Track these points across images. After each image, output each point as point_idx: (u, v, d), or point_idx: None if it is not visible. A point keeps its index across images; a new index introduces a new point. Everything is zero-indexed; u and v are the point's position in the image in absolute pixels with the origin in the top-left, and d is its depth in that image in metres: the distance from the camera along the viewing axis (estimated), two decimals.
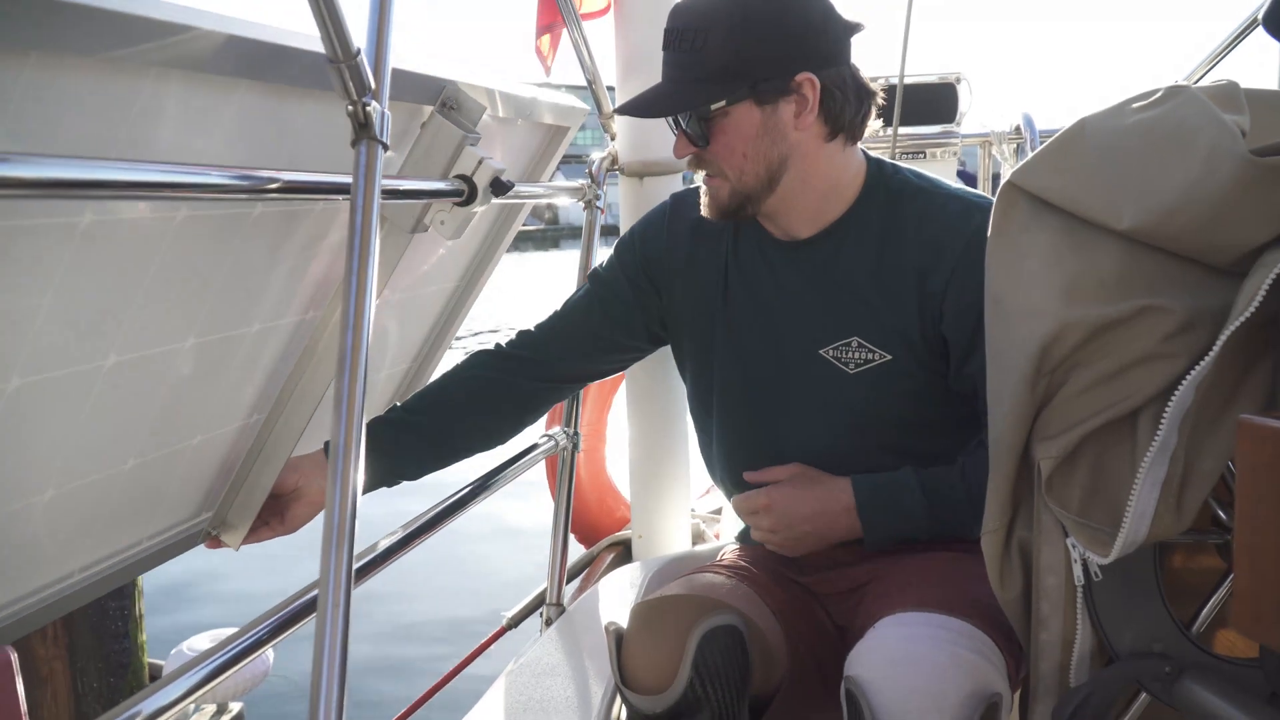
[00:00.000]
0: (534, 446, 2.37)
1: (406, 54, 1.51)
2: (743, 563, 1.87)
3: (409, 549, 1.75)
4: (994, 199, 1.38)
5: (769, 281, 1.83)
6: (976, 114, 4.51)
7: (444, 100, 1.72)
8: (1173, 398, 1.18)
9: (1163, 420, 1.18)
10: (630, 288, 1.97)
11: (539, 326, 2.04)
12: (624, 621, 1.64)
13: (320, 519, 1.51)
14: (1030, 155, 1.35)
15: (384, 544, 1.73)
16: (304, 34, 1.34)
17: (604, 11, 2.70)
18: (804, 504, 1.77)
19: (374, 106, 1.22)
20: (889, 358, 1.74)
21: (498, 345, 2.03)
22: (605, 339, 2.01)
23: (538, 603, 2.56)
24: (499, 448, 2.08)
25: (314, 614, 1.20)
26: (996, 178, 4.41)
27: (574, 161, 2.77)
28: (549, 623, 2.43)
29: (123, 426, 1.48)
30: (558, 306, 2.08)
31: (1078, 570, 1.32)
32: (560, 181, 2.54)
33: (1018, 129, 4.11)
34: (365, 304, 1.20)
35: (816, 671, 1.75)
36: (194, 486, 1.76)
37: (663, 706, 1.54)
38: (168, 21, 1.12)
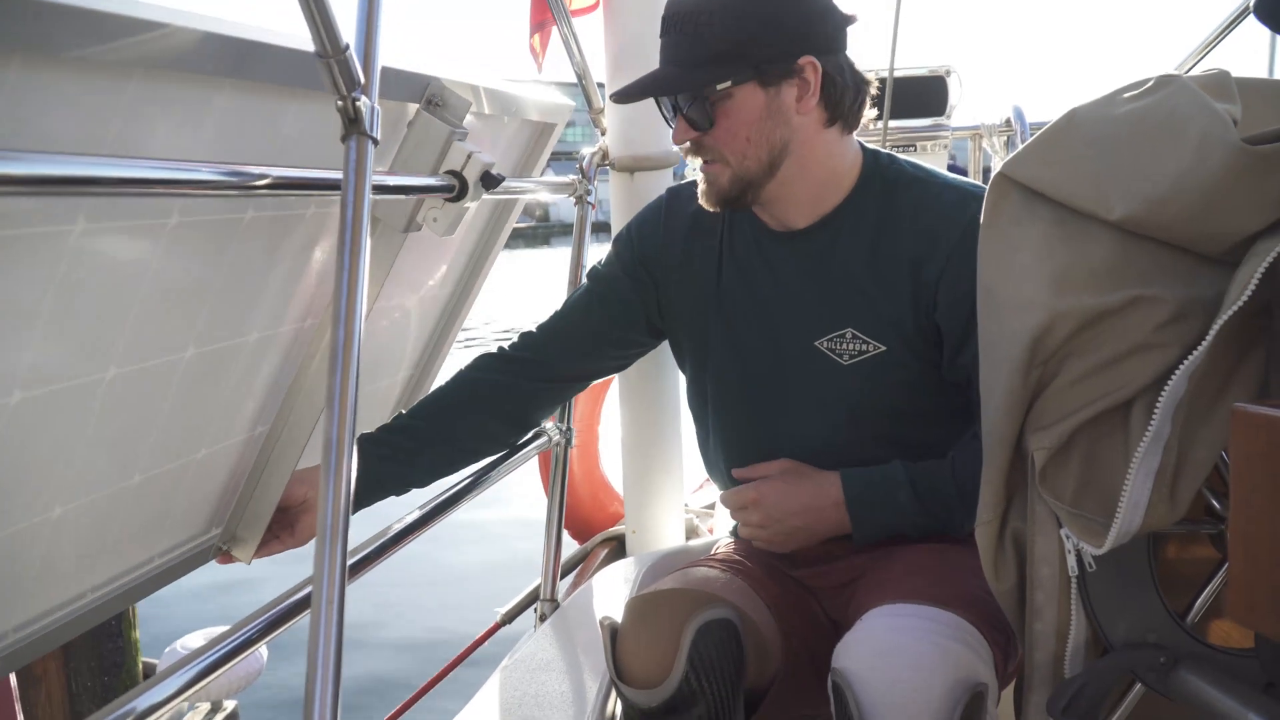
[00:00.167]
0: (527, 442, 2.37)
1: (389, 52, 1.51)
2: (737, 556, 1.87)
3: (403, 545, 1.75)
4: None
5: (764, 273, 1.83)
6: (967, 107, 4.51)
7: (429, 97, 1.71)
8: (1166, 387, 1.18)
9: (1156, 410, 1.18)
10: (629, 283, 1.97)
11: (540, 327, 2.04)
12: (618, 616, 1.64)
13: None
14: (1021, 147, 1.35)
15: (378, 540, 1.73)
16: (289, 33, 1.34)
17: (593, 8, 2.69)
18: (793, 499, 1.77)
19: (364, 101, 1.21)
20: (883, 348, 1.74)
21: (500, 348, 2.03)
22: (607, 336, 2.00)
23: (532, 598, 2.56)
24: None
25: (308, 611, 1.20)
26: (987, 171, 4.41)
27: (565, 158, 2.77)
28: (543, 618, 2.42)
29: (127, 440, 1.47)
30: (557, 306, 2.08)
31: (1072, 561, 1.32)
32: (551, 178, 2.53)
33: (1008, 121, 4.11)
34: (357, 301, 1.19)
35: (810, 664, 1.75)
36: (202, 502, 1.75)
37: (658, 700, 1.54)
38: (151, 21, 1.12)
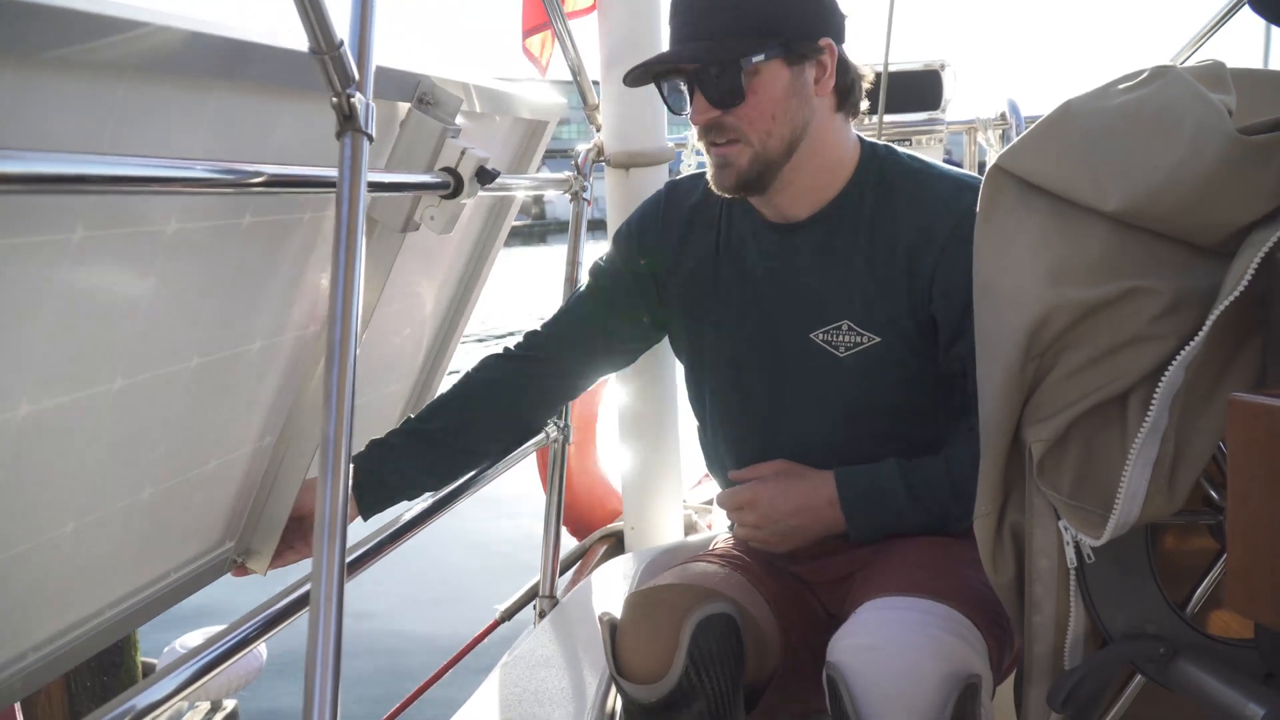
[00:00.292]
0: (525, 439, 2.37)
1: (379, 52, 1.52)
2: (735, 552, 1.87)
3: (401, 542, 1.75)
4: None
5: (761, 266, 1.83)
6: (961, 100, 4.51)
7: (420, 96, 1.72)
8: (1163, 378, 1.18)
9: (1153, 401, 1.18)
10: (630, 276, 1.97)
11: (544, 326, 2.04)
12: (618, 612, 1.64)
13: None
14: (1016, 139, 1.35)
15: (376, 538, 1.73)
16: (280, 33, 1.34)
17: (590, 9, 2.70)
18: (788, 499, 1.78)
19: (358, 98, 1.21)
20: (878, 340, 1.74)
21: (505, 349, 2.03)
22: (610, 330, 2.01)
23: (531, 595, 2.56)
24: None
25: (306, 609, 1.20)
26: (982, 165, 4.41)
27: (561, 156, 2.77)
28: (542, 615, 2.43)
29: (136, 453, 1.48)
30: (555, 304, 2.08)
31: (1070, 553, 1.32)
32: (546, 174, 2.53)
33: (1003, 115, 4.11)
34: (354, 298, 1.20)
35: (809, 659, 1.75)
36: (214, 514, 1.76)
37: (658, 695, 1.54)
38: (138, 21, 1.12)
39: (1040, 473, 1.29)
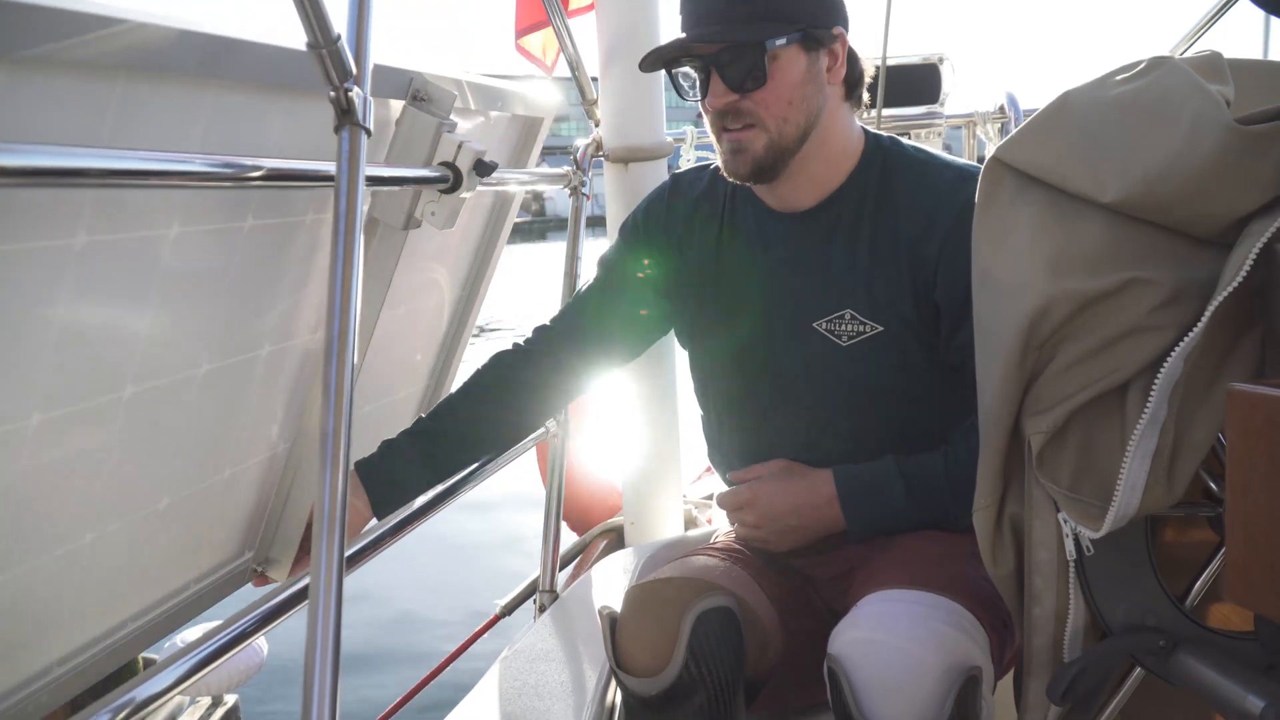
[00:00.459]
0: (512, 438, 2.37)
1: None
2: (736, 546, 1.87)
3: (400, 536, 1.75)
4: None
5: (764, 255, 1.83)
6: (960, 94, 4.50)
7: (414, 93, 1.72)
8: (1162, 369, 1.17)
9: (1152, 392, 1.18)
10: (637, 267, 1.97)
11: (553, 319, 2.04)
12: (618, 606, 1.63)
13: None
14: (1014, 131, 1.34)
15: (375, 531, 1.73)
16: (277, 31, 1.34)
17: (589, 8, 2.70)
18: (787, 498, 1.78)
19: (355, 92, 1.21)
20: (881, 329, 1.74)
21: (514, 344, 2.03)
22: (619, 322, 2.00)
23: (531, 590, 2.56)
24: None
25: (305, 602, 1.20)
26: (982, 159, 4.38)
27: (560, 153, 2.77)
28: (542, 609, 2.42)
29: (151, 462, 1.48)
30: (556, 299, 2.08)
31: (1069, 545, 1.31)
32: (545, 169, 2.54)
33: (1002, 109, 4.10)
34: (352, 292, 1.20)
35: (810, 653, 1.75)
36: (232, 524, 1.76)
37: (658, 689, 1.54)
38: (131, 20, 1.12)
39: (1039, 465, 1.29)
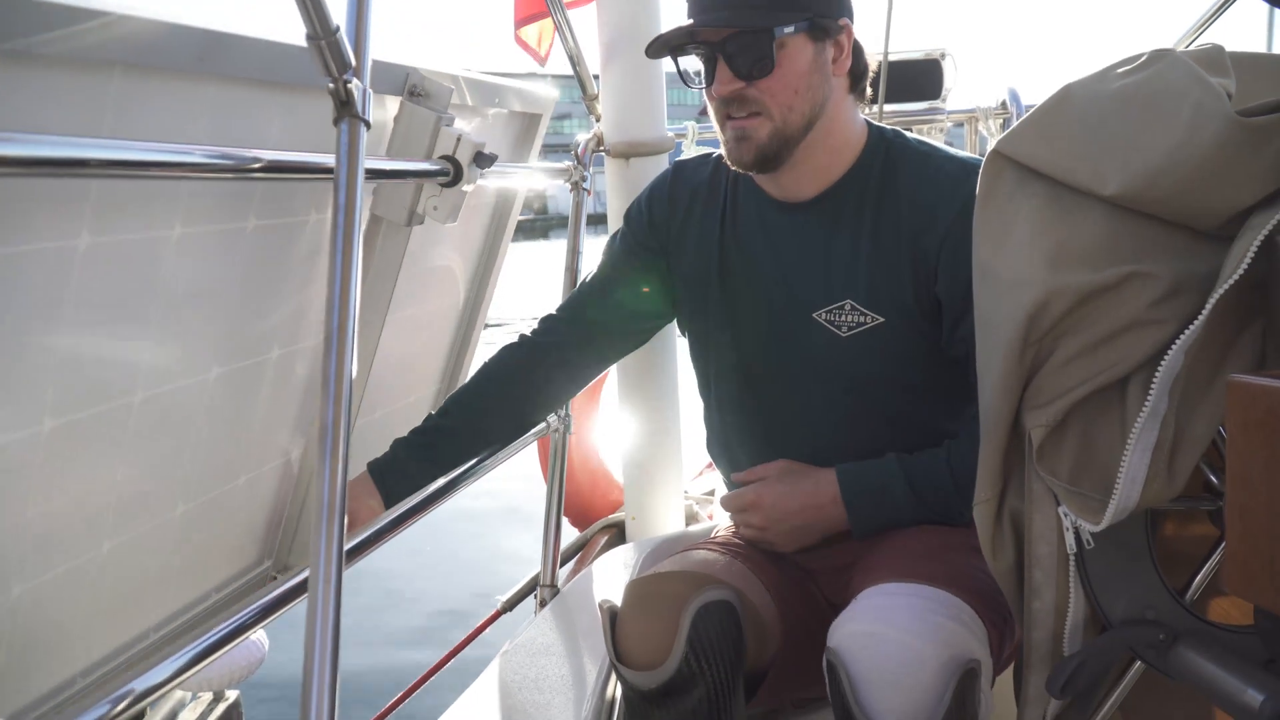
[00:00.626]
0: (521, 430, 2.37)
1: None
2: (736, 540, 1.87)
3: (400, 530, 1.74)
4: None
5: (765, 245, 1.83)
6: (962, 90, 4.49)
7: (410, 88, 1.72)
8: (1162, 363, 1.17)
9: (1152, 386, 1.18)
10: (641, 252, 1.97)
11: (559, 309, 2.05)
12: (618, 600, 1.64)
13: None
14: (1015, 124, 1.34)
15: (375, 524, 1.73)
16: (273, 26, 1.35)
17: (589, 0, 2.69)
18: (791, 499, 1.78)
19: (355, 84, 1.21)
20: (881, 321, 1.74)
21: (521, 335, 2.03)
22: (626, 308, 2.00)
23: (532, 585, 2.55)
24: None
25: (304, 595, 1.20)
26: (983, 154, 4.36)
27: (562, 150, 2.77)
28: (543, 604, 2.42)
29: (165, 469, 1.49)
30: (558, 296, 2.08)
31: (1070, 539, 1.31)
32: (547, 164, 2.54)
33: (1003, 104, 4.10)
34: (351, 284, 1.19)
35: (810, 646, 1.75)
36: (249, 531, 1.77)
37: (657, 682, 1.54)
38: (124, 15, 1.12)
39: (1040, 458, 1.29)
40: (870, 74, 1.80)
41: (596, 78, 2.65)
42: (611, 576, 2.21)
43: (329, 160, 1.32)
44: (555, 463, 2.49)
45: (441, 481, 1.87)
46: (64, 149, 1.03)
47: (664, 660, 1.54)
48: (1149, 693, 1.43)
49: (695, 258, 1.91)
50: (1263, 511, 0.93)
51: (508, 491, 6.63)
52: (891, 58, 3.28)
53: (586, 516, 3.30)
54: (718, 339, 1.91)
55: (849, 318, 1.76)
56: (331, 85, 1.20)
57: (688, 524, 2.88)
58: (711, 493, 3.17)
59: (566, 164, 2.59)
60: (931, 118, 4.34)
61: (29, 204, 1.12)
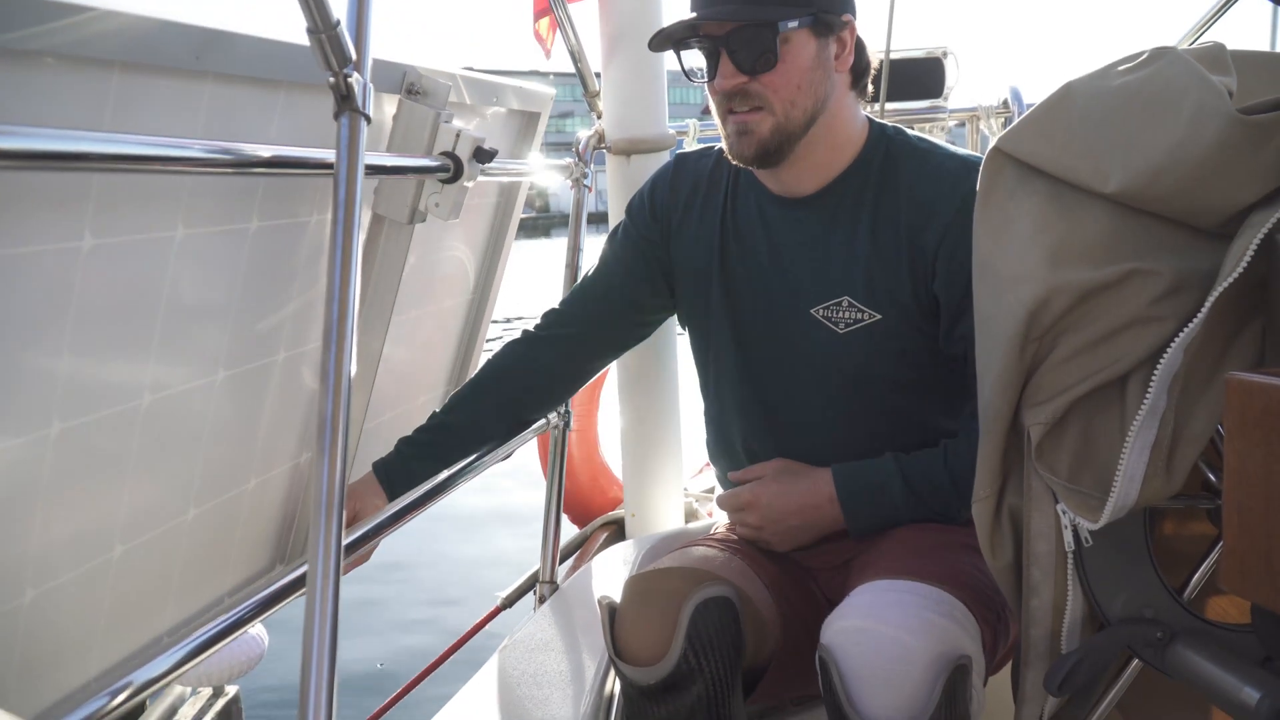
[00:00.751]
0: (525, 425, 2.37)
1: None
2: (735, 536, 1.87)
3: (399, 525, 1.75)
4: None
5: (764, 240, 1.83)
6: (964, 88, 4.48)
7: (408, 86, 1.73)
8: (1161, 360, 1.17)
9: (1151, 383, 1.18)
10: (644, 243, 1.98)
11: (563, 303, 2.05)
12: (618, 597, 1.64)
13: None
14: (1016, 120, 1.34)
15: (374, 520, 1.73)
16: (272, 25, 1.35)
17: None
18: (788, 498, 1.79)
19: (355, 78, 1.21)
20: (878, 317, 1.74)
21: (525, 331, 2.04)
22: (629, 299, 2.01)
23: (531, 582, 2.56)
24: None
25: (303, 590, 1.20)
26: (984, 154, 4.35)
27: (565, 149, 2.77)
28: (542, 600, 2.42)
29: (174, 471, 1.49)
30: (560, 293, 2.08)
31: (1068, 536, 1.31)
32: (548, 161, 2.54)
33: (1005, 103, 4.09)
34: (350, 279, 1.20)
35: (808, 643, 1.75)
36: (260, 536, 1.77)
37: (656, 678, 1.54)
38: (121, 13, 1.12)
39: (1039, 456, 1.29)
40: (872, 72, 1.80)
41: (598, 75, 2.66)
42: (611, 573, 2.21)
43: (329, 155, 1.32)
44: (555, 459, 2.50)
45: (440, 477, 1.87)
46: (63, 143, 1.03)
47: (663, 656, 1.54)
48: (1146, 691, 1.43)
49: (695, 249, 1.91)
50: (1260, 509, 0.93)
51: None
52: (893, 56, 3.28)
53: (586, 513, 3.30)
54: (717, 333, 1.91)
55: (846, 314, 1.76)
56: (332, 79, 1.20)
57: (687, 521, 2.88)
58: (711, 490, 3.17)
59: (568, 161, 2.59)
60: (933, 116, 4.34)
61: (31, 205, 1.12)
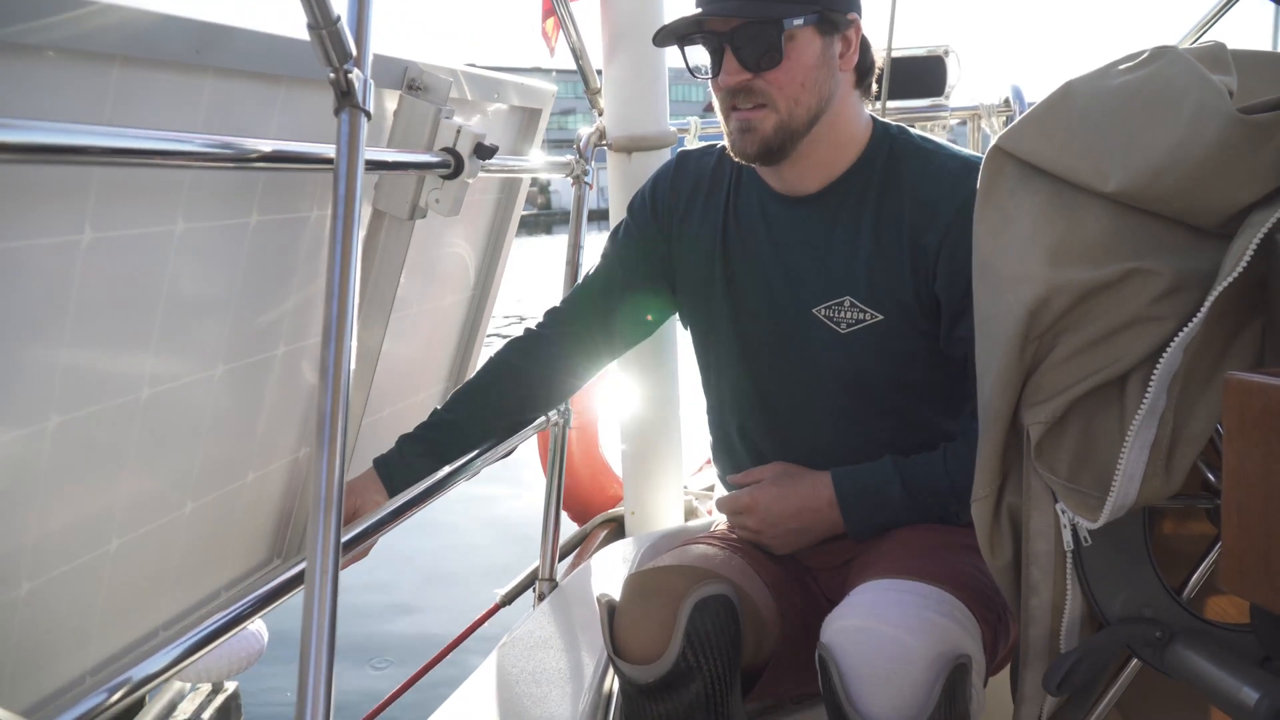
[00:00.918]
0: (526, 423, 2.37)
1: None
2: (735, 535, 1.87)
3: (398, 522, 1.75)
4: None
5: (766, 239, 1.83)
6: (966, 87, 4.48)
7: (409, 82, 1.72)
8: (1161, 360, 1.17)
9: (1151, 383, 1.18)
10: (645, 241, 1.97)
11: (564, 301, 2.05)
12: (617, 594, 1.64)
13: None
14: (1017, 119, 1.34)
15: (373, 516, 1.73)
16: (273, 20, 1.35)
17: None
18: (788, 502, 1.79)
19: (356, 74, 1.21)
20: (880, 318, 1.74)
21: (526, 329, 2.04)
22: (631, 297, 2.00)
23: (531, 579, 2.56)
24: None
25: (301, 586, 1.20)
26: None
27: (566, 147, 2.77)
28: (541, 598, 2.43)
29: (172, 465, 1.49)
30: (561, 290, 2.08)
31: (1067, 535, 1.31)
32: (549, 158, 2.54)
33: (1007, 102, 4.09)
34: (350, 274, 1.20)
35: (807, 642, 1.75)
36: (259, 530, 1.77)
37: (654, 676, 1.54)
38: (125, 7, 1.13)
39: (1038, 455, 1.29)
40: (875, 70, 1.80)
41: (600, 72, 2.66)
42: (610, 571, 2.21)
43: (329, 151, 1.32)
44: (555, 457, 2.50)
45: (440, 474, 1.87)
46: (64, 136, 1.03)
47: (661, 654, 1.54)
48: (1145, 690, 1.43)
49: (697, 247, 1.91)
50: (1259, 508, 0.93)
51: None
52: (895, 54, 3.28)
53: (586, 511, 3.30)
54: (719, 331, 1.91)
55: (848, 314, 1.76)
56: (332, 75, 1.20)
57: (687, 519, 2.88)
58: (711, 488, 3.17)
59: (569, 157, 2.59)
60: (934, 115, 4.33)
61: (31, 199, 1.13)
